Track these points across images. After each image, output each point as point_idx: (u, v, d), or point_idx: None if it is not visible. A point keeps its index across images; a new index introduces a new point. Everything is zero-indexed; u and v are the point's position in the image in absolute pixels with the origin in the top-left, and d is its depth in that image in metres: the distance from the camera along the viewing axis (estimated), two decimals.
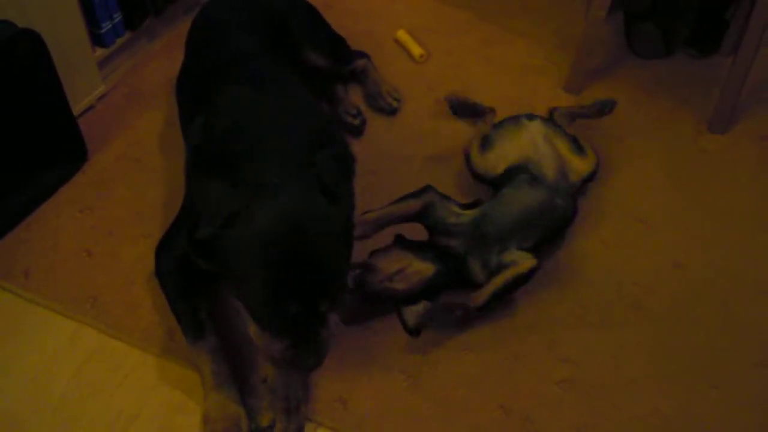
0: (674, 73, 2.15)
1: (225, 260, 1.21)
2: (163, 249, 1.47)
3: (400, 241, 1.52)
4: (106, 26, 1.90)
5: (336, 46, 1.96)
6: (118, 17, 1.92)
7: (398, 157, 1.83)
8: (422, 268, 1.47)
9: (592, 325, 1.52)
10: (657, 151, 1.89)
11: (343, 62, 1.96)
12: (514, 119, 1.71)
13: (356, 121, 1.88)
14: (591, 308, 1.54)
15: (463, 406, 1.38)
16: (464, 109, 1.83)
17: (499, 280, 1.44)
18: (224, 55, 1.60)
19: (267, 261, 1.17)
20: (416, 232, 1.54)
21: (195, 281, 1.43)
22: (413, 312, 1.42)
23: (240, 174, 1.27)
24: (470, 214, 1.51)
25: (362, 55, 2.02)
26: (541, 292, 1.55)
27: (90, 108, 1.90)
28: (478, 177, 1.68)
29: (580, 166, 1.65)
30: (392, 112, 1.96)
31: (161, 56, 2.07)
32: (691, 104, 2.04)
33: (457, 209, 1.53)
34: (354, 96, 1.98)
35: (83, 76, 1.84)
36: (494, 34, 2.25)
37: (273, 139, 1.36)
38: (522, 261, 1.45)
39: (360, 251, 1.45)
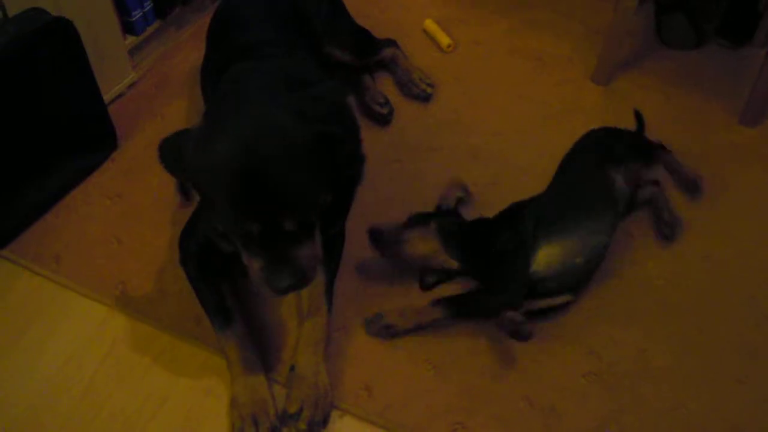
0: (705, 65, 2.12)
1: (198, 185, 1.22)
2: (186, 238, 1.49)
3: (440, 229, 1.52)
4: (137, 14, 1.92)
5: (360, 40, 1.93)
6: (148, 5, 1.94)
7: (425, 148, 1.83)
8: (447, 262, 1.49)
9: (619, 319, 1.51)
10: (687, 144, 1.87)
11: (367, 55, 1.95)
12: None
13: (384, 111, 1.88)
14: (617, 302, 1.53)
15: (488, 397, 1.38)
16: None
17: (531, 306, 1.46)
18: (241, 44, 1.59)
19: (223, 182, 1.14)
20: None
21: (220, 268, 1.45)
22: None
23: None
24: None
25: (390, 43, 2.01)
26: None
27: (120, 95, 1.92)
28: None
29: None
30: (426, 98, 1.94)
31: (189, 45, 2.09)
32: (722, 96, 2.01)
33: None
34: (382, 85, 1.98)
35: (114, 64, 1.86)
36: (521, 24, 2.24)
37: (261, 90, 1.31)
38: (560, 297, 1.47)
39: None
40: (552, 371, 1.42)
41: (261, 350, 1.40)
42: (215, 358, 1.41)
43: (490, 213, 1.60)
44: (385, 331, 1.44)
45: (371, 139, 1.71)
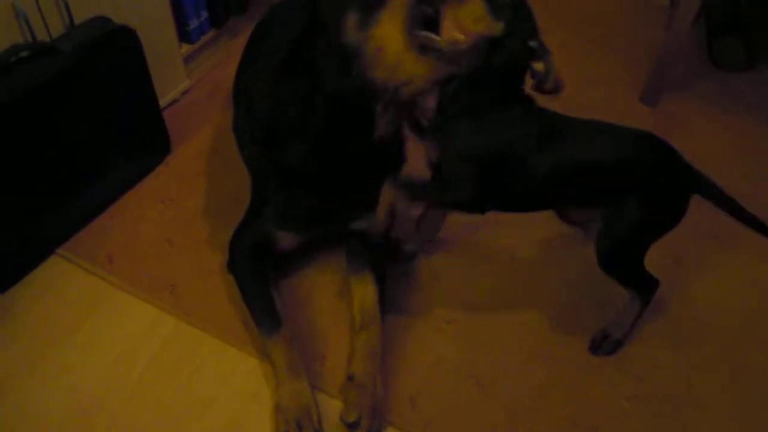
0: (755, 89, 2.10)
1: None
2: (236, 242, 1.51)
3: None
4: (193, 24, 1.96)
5: None
6: (204, 15, 1.99)
7: None
8: None
9: (663, 342, 1.50)
10: (735, 171, 1.85)
11: None
12: None
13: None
14: (663, 325, 1.52)
15: (530, 415, 1.38)
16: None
17: None
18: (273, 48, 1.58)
19: None
20: None
21: (270, 271, 1.48)
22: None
23: None
24: None
25: None
26: (608, 311, 1.54)
27: (174, 102, 1.96)
28: None
29: None
30: None
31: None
32: None
33: None
34: None
35: (170, 71, 1.91)
36: (571, 40, 2.24)
37: None
38: None
39: None
40: (596, 393, 1.42)
41: (305, 355, 1.42)
42: (261, 362, 1.43)
43: None
44: None
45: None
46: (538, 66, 1.16)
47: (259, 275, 1.47)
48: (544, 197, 1.32)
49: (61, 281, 1.57)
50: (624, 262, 1.36)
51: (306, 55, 1.24)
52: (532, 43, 1.16)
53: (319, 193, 1.41)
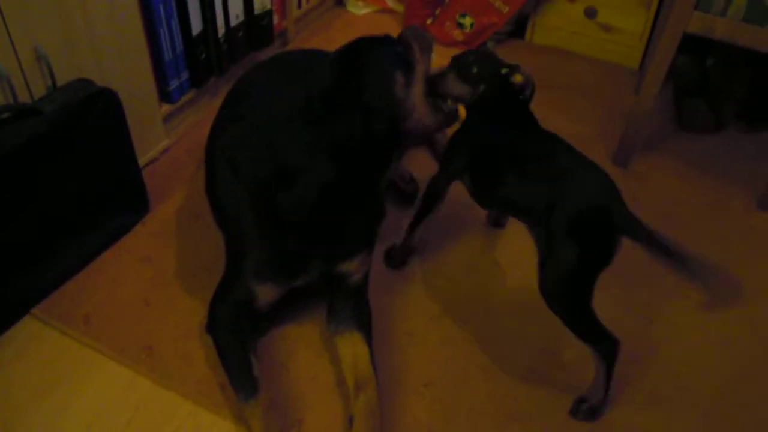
0: (724, 148, 2.17)
1: None
2: (215, 304, 1.51)
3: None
4: (174, 84, 1.99)
5: None
6: (185, 75, 2.02)
7: (452, 225, 1.87)
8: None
9: (639, 403, 1.51)
10: (706, 228, 1.90)
11: None
12: None
13: (409, 188, 1.92)
14: (637, 387, 1.54)
15: None
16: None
17: None
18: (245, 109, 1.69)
19: None
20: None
21: (248, 336, 1.47)
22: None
23: None
24: None
25: None
26: (588, 370, 1.55)
27: (154, 160, 1.98)
28: None
29: None
30: None
31: None
32: (742, 181, 2.05)
33: None
34: (409, 161, 2.03)
35: (149, 130, 1.93)
36: (546, 103, 2.29)
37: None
38: None
39: None
40: None
41: (283, 419, 1.41)
42: (237, 427, 1.42)
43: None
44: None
45: (395, 217, 1.76)
46: (517, 78, 1.47)
47: (238, 339, 1.46)
48: (496, 200, 1.55)
49: (34, 343, 1.55)
50: (563, 296, 1.39)
51: (326, 108, 1.35)
52: (503, 70, 1.49)
53: (308, 238, 1.44)
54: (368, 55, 1.40)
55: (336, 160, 1.36)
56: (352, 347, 1.49)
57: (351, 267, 1.52)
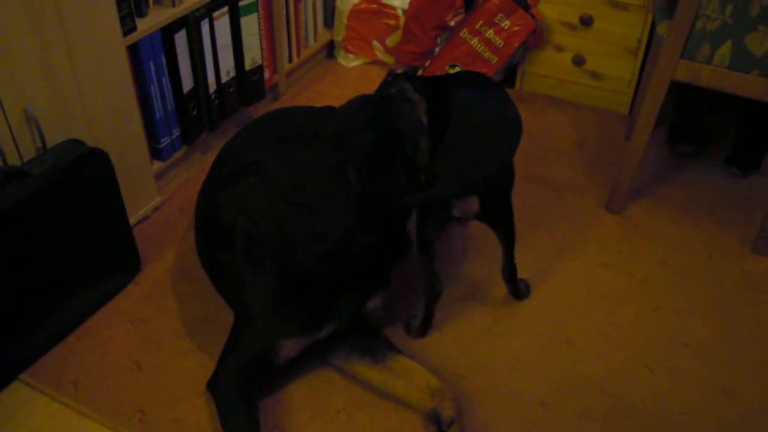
0: (717, 193, 2.17)
1: None
2: (226, 359, 1.48)
3: None
4: (165, 141, 1.99)
5: None
6: (176, 132, 2.02)
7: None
8: None
9: None
10: (701, 273, 1.89)
11: None
12: None
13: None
14: None
15: None
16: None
17: None
18: (237, 165, 1.71)
19: None
20: None
21: (254, 396, 1.45)
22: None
23: None
24: None
25: None
26: (585, 421, 1.53)
27: (145, 218, 1.96)
28: None
29: None
30: None
31: None
32: (735, 225, 2.04)
33: None
34: None
35: (141, 188, 1.92)
36: (535, 153, 2.31)
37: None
38: None
39: None
40: None
41: None
42: None
43: None
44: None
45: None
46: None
47: (244, 400, 1.43)
48: None
49: (22, 409, 1.51)
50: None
51: (369, 179, 1.38)
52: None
53: (337, 287, 1.48)
54: (400, 118, 1.42)
55: (379, 227, 1.43)
56: (410, 365, 1.53)
57: (376, 305, 1.58)
